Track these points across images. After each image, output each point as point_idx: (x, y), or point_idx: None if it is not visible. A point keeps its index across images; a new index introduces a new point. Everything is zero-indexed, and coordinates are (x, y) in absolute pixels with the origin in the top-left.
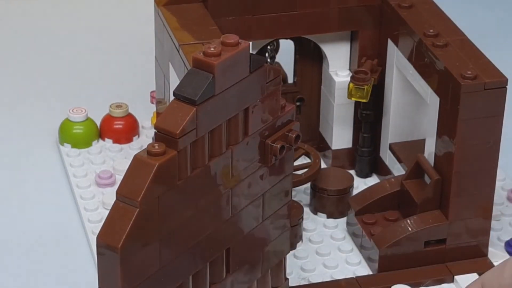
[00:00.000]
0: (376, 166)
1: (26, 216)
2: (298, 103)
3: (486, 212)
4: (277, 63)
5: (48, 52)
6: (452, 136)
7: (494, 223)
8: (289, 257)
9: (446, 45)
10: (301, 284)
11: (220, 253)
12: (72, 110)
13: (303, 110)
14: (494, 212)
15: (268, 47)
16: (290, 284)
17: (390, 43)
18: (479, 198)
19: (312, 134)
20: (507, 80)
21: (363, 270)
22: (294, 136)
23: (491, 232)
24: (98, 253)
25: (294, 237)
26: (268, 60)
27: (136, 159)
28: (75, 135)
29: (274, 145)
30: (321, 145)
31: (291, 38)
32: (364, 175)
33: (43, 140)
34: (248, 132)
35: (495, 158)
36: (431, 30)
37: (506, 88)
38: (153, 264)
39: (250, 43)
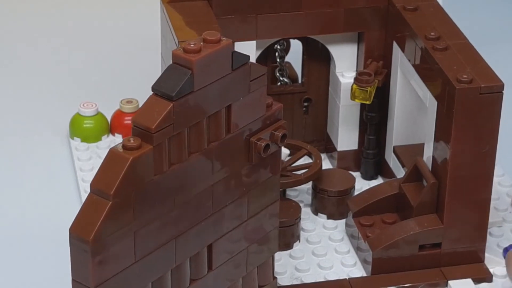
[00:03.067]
0: (381, 169)
1: (32, 209)
2: (305, 104)
3: (482, 217)
4: (288, 63)
5: (61, 47)
6: (448, 140)
7: (495, 229)
8: (285, 256)
9: (446, 49)
10: (293, 284)
11: (202, 249)
12: (83, 105)
13: (310, 110)
14: (496, 218)
15: (278, 46)
16: (283, 283)
17: (395, 45)
18: (476, 203)
19: (319, 135)
20: (503, 85)
21: (358, 272)
22: (280, 134)
23: (491, 238)
24: (70, 244)
25: (291, 237)
26: (278, 59)
27: (111, 153)
28: (85, 129)
29: (259, 143)
30: (328, 146)
31: (298, 38)
32: (369, 177)
33: (54, 134)
34: (231, 129)
35: (491, 163)
36: (432, 33)
37: (502, 93)
38: (128, 258)
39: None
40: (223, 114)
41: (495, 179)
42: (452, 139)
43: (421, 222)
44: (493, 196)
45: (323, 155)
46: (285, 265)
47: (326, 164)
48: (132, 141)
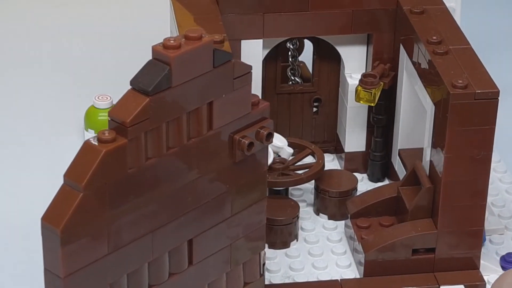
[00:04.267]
0: (388, 171)
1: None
2: (315, 104)
3: (477, 224)
4: (303, 62)
5: (75, 41)
6: (442, 145)
7: (495, 237)
8: (281, 255)
9: (446, 53)
10: (284, 282)
11: (182, 244)
12: (98, 97)
13: (320, 111)
14: (498, 226)
15: (290, 46)
16: (274, 282)
17: (401, 48)
18: (471, 210)
19: (329, 136)
20: (498, 91)
21: (351, 273)
22: (265, 133)
23: (491, 246)
24: (42, 234)
25: (288, 236)
26: (290, 59)
27: (85, 145)
28: (100, 121)
29: (243, 140)
30: (338, 147)
31: (307, 38)
32: (375, 179)
33: (69, 126)
34: (213, 126)
35: (486, 170)
36: (434, 37)
37: (497, 100)
38: (101, 249)
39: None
40: (204, 111)
41: (497, 175)
42: (446, 144)
43: (415, 226)
44: (494, 195)
45: (332, 156)
46: (279, 263)
47: (335, 165)
48: (106, 134)
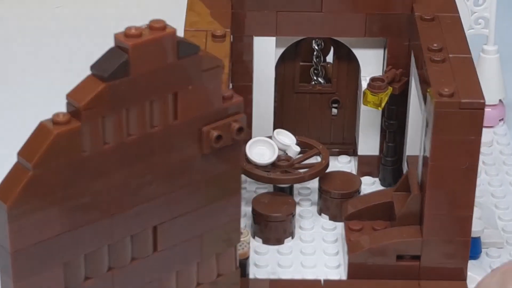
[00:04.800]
0: (400, 177)
1: None
2: (334, 105)
3: (464, 235)
4: (330, 63)
5: (97, 37)
6: (428, 153)
7: (492, 250)
8: (272, 251)
9: (443, 61)
10: (268, 278)
11: (145, 230)
12: None
13: (339, 112)
14: (498, 239)
15: (315, 47)
16: (259, 277)
17: (412, 54)
18: (457, 220)
19: (348, 138)
20: (484, 102)
21: (337, 274)
22: (236, 127)
23: (486, 258)
24: None
25: (283, 233)
26: (314, 59)
27: (40, 125)
28: None
29: (211, 133)
30: (356, 149)
31: (324, 39)
32: (387, 184)
33: None
34: (178, 116)
35: (472, 181)
36: (435, 45)
37: (483, 111)
38: (53, 228)
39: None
40: (169, 101)
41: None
42: (430, 152)
43: (401, 232)
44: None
45: (350, 158)
46: (269, 259)
47: (351, 168)
48: (61, 117)
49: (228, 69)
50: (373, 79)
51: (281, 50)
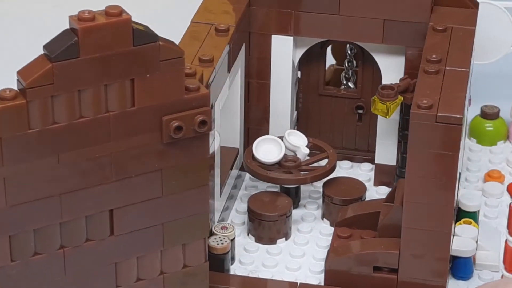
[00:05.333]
0: None
1: None
2: (359, 111)
3: (442, 252)
4: None
5: None
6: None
7: (486, 273)
8: (262, 250)
9: (436, 72)
10: (246, 275)
11: (100, 213)
12: None
13: (364, 119)
14: (494, 262)
15: (348, 51)
16: (238, 273)
17: None
18: (435, 236)
19: (372, 146)
20: (461, 118)
21: (317, 280)
22: (198, 120)
23: (476, 280)
24: None
25: (276, 233)
26: (347, 64)
27: None
28: None
29: (171, 123)
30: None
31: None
32: None
33: None
34: (136, 103)
35: (449, 197)
36: (433, 56)
37: (460, 127)
38: None
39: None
40: (126, 87)
41: None
42: (407, 165)
43: (380, 243)
44: None
45: (372, 166)
46: (255, 257)
47: (370, 176)
48: (8, 92)
49: (228, 64)
50: (382, 87)
51: (302, 51)
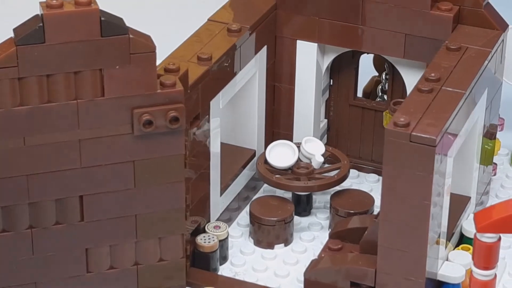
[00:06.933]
0: None
1: None
2: None
3: (418, 275)
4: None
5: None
6: None
7: None
8: (257, 253)
9: (429, 91)
10: (231, 276)
11: (70, 198)
12: None
13: None
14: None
15: (386, 64)
16: (225, 274)
17: None
18: (409, 257)
19: None
20: (435, 140)
21: None
22: (170, 116)
23: None
24: None
25: (275, 238)
26: (384, 77)
27: None
28: None
29: (141, 116)
30: None
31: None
32: None
33: None
34: (105, 93)
35: (424, 218)
36: (432, 74)
37: (434, 148)
38: None
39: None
40: (95, 76)
41: None
42: (382, 183)
43: (357, 259)
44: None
45: None
46: (248, 260)
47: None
48: None
49: (230, 62)
50: (394, 102)
51: (330, 58)
